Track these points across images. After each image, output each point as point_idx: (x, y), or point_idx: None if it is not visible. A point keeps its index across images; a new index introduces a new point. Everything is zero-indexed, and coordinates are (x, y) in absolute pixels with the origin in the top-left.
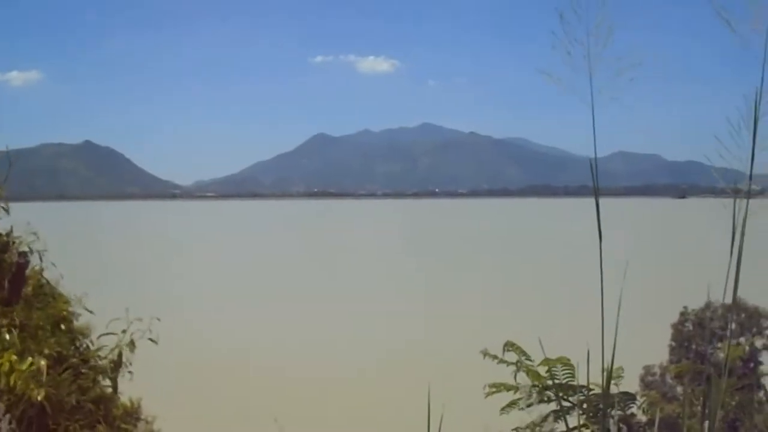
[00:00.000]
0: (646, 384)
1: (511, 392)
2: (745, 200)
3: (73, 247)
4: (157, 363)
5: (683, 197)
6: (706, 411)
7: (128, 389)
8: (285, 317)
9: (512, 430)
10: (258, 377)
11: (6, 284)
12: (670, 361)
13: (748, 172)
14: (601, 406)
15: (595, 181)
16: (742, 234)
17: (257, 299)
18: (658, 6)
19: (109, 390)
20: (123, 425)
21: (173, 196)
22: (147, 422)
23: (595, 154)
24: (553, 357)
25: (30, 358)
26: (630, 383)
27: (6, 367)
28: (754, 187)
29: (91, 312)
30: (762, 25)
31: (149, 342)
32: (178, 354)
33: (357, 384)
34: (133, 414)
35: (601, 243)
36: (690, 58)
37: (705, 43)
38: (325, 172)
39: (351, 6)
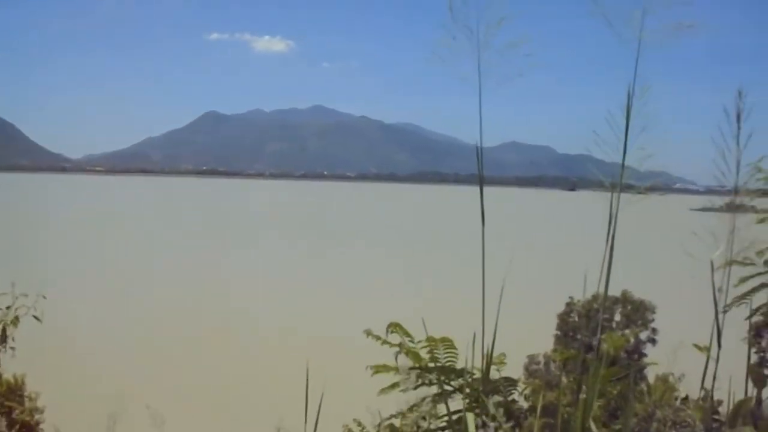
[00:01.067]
0: (530, 372)
1: (393, 374)
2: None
3: None
4: (40, 340)
5: (573, 189)
6: (583, 396)
7: (12, 367)
8: (161, 296)
9: (392, 415)
10: (135, 360)
11: None
12: (555, 351)
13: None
14: (485, 391)
15: (480, 167)
16: (614, 226)
17: (140, 279)
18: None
19: None
20: (7, 402)
21: (63, 170)
22: (31, 399)
23: (480, 139)
24: (436, 338)
25: None
26: (514, 372)
27: None
28: (627, 181)
29: None
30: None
31: (32, 319)
32: (60, 332)
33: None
34: (17, 391)
35: (483, 228)
36: (581, 50)
37: (592, 37)
38: (215, 150)
39: None
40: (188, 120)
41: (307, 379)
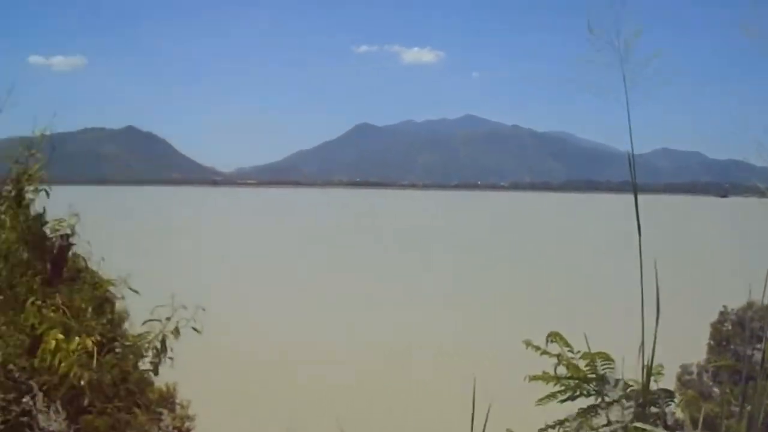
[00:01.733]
0: (683, 383)
1: (551, 384)
2: None
3: (114, 230)
4: (196, 349)
5: (725, 196)
6: (745, 410)
7: (164, 374)
8: (332, 309)
9: (553, 422)
10: (297, 372)
11: (48, 266)
12: (708, 361)
13: None
14: (643, 402)
15: (633, 177)
16: None
17: (302, 289)
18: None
19: (146, 375)
20: (158, 409)
21: (214, 183)
22: (182, 407)
23: (632, 149)
24: (593, 352)
25: (77, 338)
26: (667, 382)
27: (52, 344)
28: None
29: (136, 292)
30: None
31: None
32: (216, 342)
33: (405, 378)
34: (168, 398)
35: (640, 238)
36: (725, 57)
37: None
38: (366, 161)
39: None
40: (340, 132)
41: (474, 393)
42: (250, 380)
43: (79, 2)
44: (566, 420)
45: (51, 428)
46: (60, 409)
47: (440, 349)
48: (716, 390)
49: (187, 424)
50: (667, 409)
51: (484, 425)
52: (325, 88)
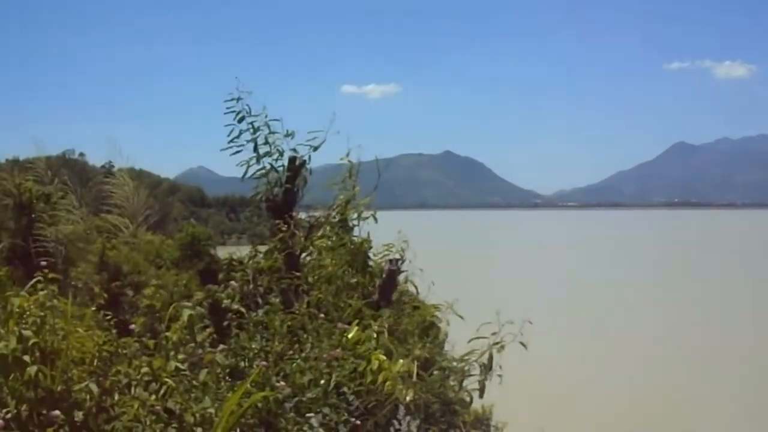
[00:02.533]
0: None
1: None
2: None
3: (439, 255)
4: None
5: None
6: None
7: (492, 396)
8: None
9: None
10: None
11: (377, 289)
12: None
13: None
14: None
15: None
16: None
17: (622, 315)
18: None
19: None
20: (473, 430)
21: (534, 206)
22: (497, 429)
23: None
24: None
25: (400, 360)
26: None
27: (375, 365)
28: None
29: (461, 317)
30: None
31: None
32: (539, 361)
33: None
34: (483, 420)
35: None
36: None
37: None
38: (684, 181)
39: (704, 9)
40: (658, 152)
41: None
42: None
43: (387, 31)
44: None
45: None
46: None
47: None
48: None
49: None
50: None
51: None
52: (640, 107)
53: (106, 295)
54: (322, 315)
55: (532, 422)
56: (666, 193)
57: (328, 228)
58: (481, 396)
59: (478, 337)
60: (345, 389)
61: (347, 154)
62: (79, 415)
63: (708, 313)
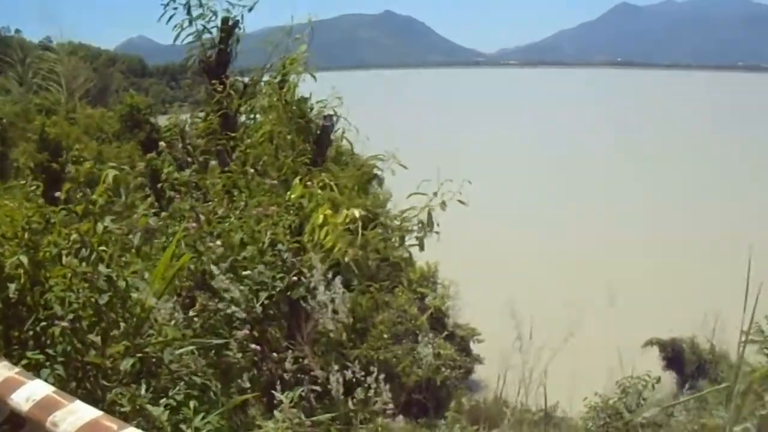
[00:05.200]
0: None
1: None
2: None
3: (376, 113)
4: (459, 228)
5: None
6: None
7: (429, 251)
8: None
9: None
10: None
11: (311, 146)
12: None
13: None
14: None
15: None
16: None
17: (551, 173)
18: None
19: (408, 254)
20: (420, 289)
21: (476, 64)
22: (443, 286)
23: None
24: None
25: (345, 211)
26: None
27: (319, 219)
28: None
29: (404, 167)
30: None
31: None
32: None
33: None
34: (429, 278)
35: None
36: None
37: None
38: (627, 42)
39: None
40: (601, 11)
41: (749, 268)
42: (505, 256)
43: None
44: None
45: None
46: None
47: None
48: None
49: (447, 303)
50: None
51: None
52: None
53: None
54: (253, 171)
55: (473, 279)
56: (608, 53)
57: (265, 88)
58: (421, 249)
59: (416, 193)
60: (280, 246)
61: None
62: (12, 289)
63: (642, 173)
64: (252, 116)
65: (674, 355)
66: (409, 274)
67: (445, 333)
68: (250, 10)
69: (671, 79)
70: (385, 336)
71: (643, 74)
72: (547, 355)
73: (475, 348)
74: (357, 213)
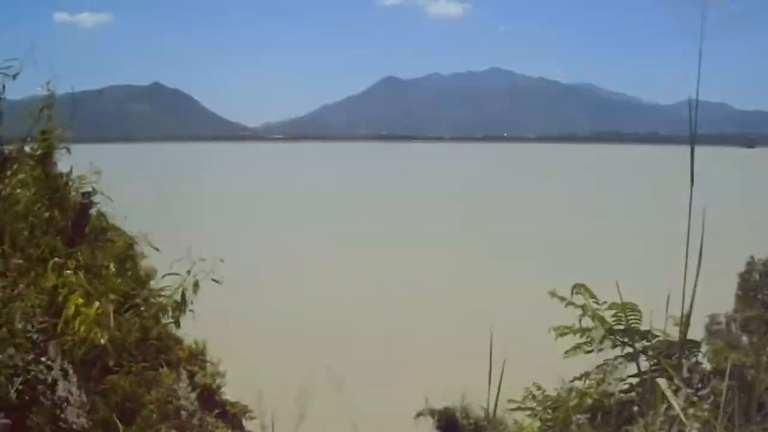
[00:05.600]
0: (711, 333)
1: (578, 336)
2: None
3: (138, 188)
4: (219, 304)
5: (752, 147)
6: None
7: (193, 332)
8: (348, 264)
9: (575, 377)
10: (314, 324)
11: (69, 224)
12: (735, 311)
13: None
14: (669, 353)
15: (692, 127)
16: None
17: (321, 244)
18: None
19: (172, 332)
20: (188, 367)
21: (242, 138)
22: (212, 364)
23: (696, 98)
24: (621, 303)
25: (97, 302)
26: (694, 332)
27: (72, 310)
28: None
29: (157, 249)
30: None
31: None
32: (239, 296)
33: (415, 330)
34: (198, 356)
35: (692, 190)
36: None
37: None
38: (393, 115)
39: None
40: (365, 86)
41: (491, 346)
42: (272, 333)
43: None
44: (599, 369)
45: (67, 395)
46: (72, 373)
47: (462, 301)
48: (745, 339)
49: (218, 381)
50: (693, 360)
51: (500, 377)
52: (351, 42)
53: None
54: (8, 249)
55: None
56: (373, 126)
57: (24, 161)
58: (177, 326)
59: (170, 274)
60: (30, 328)
61: (47, 83)
62: None
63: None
64: (8, 190)
65: (447, 424)
66: (178, 352)
67: (217, 411)
68: (14, 77)
69: (435, 151)
70: (155, 415)
71: (408, 147)
72: None
73: (248, 425)
74: (110, 307)
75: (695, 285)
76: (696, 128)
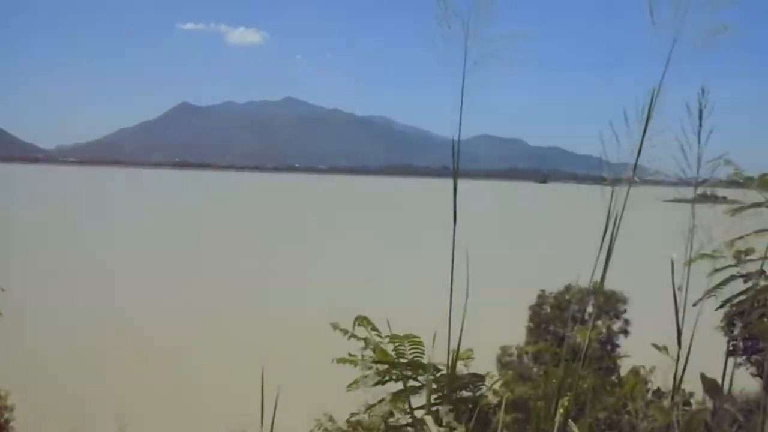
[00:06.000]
0: (503, 364)
1: (358, 368)
2: (619, 188)
3: None
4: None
5: (545, 182)
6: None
7: None
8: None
9: (359, 411)
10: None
11: None
12: (527, 343)
13: (628, 162)
14: (453, 386)
15: (455, 163)
16: (616, 221)
17: (105, 276)
18: None
19: None
20: None
21: (36, 160)
22: (0, 397)
23: (459, 133)
24: (402, 336)
25: None
26: (488, 364)
27: None
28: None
29: None
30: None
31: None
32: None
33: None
34: None
35: (455, 225)
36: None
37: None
38: (187, 142)
39: None
40: (161, 111)
41: (262, 379)
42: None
43: None
44: (380, 403)
45: None
46: None
47: (229, 335)
48: (536, 370)
49: (6, 415)
50: (478, 393)
51: (274, 411)
52: (148, 65)
53: None
54: None
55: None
56: (167, 152)
57: None
58: None
59: None
60: None
61: None
62: None
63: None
64: None
65: None
66: None
67: None
68: None
69: (227, 179)
70: None
71: (202, 175)
72: None
73: None
74: None
75: (463, 319)
76: (459, 164)
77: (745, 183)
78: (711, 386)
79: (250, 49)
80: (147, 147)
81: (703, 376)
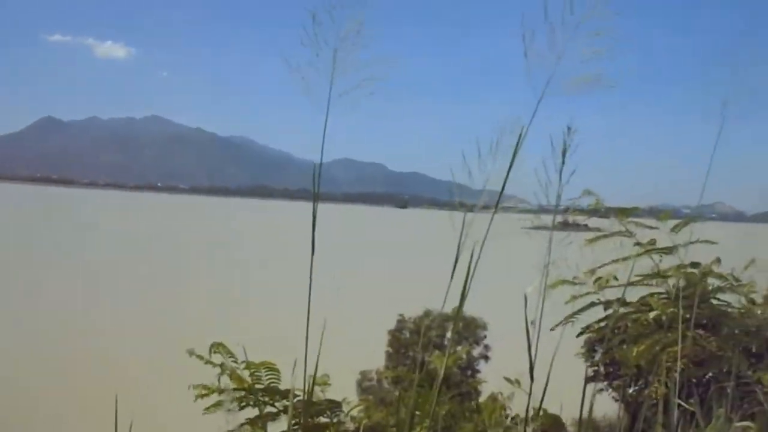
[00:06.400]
0: (363, 389)
1: (216, 394)
2: (478, 214)
3: None
4: None
5: (404, 207)
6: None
7: None
8: None
9: None
10: None
11: None
12: (386, 367)
13: (477, 188)
14: (311, 412)
15: (315, 187)
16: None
17: None
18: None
19: None
20: None
21: None
22: None
23: (321, 158)
24: (258, 362)
25: None
26: (349, 389)
27: None
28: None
29: None
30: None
31: None
32: None
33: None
34: None
35: (313, 253)
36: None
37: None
38: (50, 156)
39: None
40: (25, 124)
41: (116, 409)
42: None
43: None
44: (239, 428)
45: None
46: None
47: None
48: (396, 394)
49: None
50: (335, 420)
51: None
52: (12, 75)
53: None
54: None
55: None
56: (30, 167)
57: None
58: None
59: None
60: None
61: None
62: None
63: None
64: None
65: None
66: None
67: None
68: None
69: (89, 196)
70: None
71: (62, 192)
72: None
73: None
74: None
75: (320, 344)
76: (319, 187)
77: (605, 213)
78: (553, 422)
79: (117, 63)
80: (8, 161)
81: (545, 413)
